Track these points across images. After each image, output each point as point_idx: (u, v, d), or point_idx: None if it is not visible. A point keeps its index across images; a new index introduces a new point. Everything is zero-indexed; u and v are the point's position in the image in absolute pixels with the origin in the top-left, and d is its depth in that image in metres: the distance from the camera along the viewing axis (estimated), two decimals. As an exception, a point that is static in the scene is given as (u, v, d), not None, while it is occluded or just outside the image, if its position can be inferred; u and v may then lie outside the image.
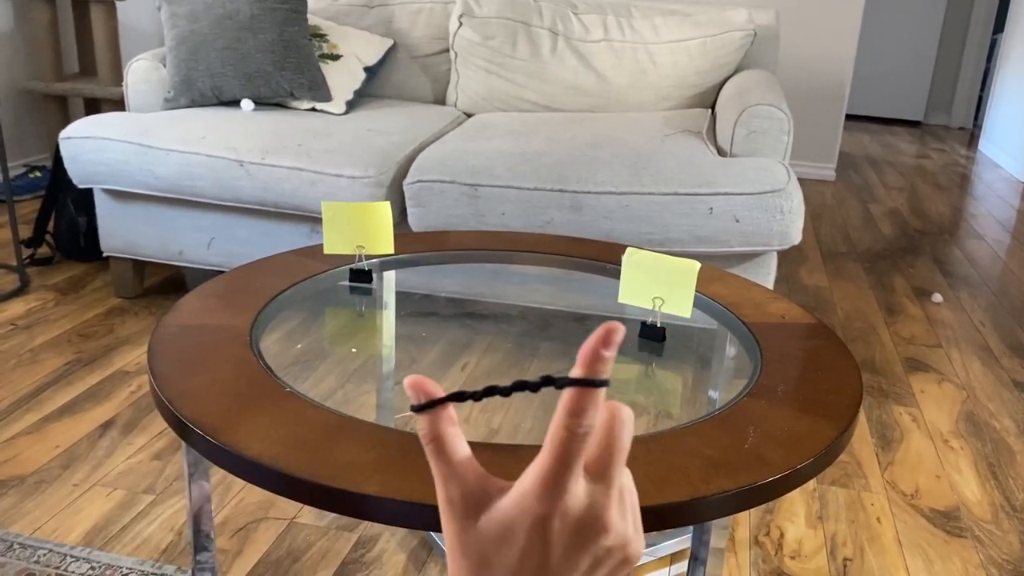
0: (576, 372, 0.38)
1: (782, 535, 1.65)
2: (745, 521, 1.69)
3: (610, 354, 0.38)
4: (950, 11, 6.47)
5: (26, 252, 2.80)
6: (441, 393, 0.41)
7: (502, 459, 0.88)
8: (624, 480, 0.41)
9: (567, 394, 0.38)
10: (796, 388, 1.06)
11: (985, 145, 5.69)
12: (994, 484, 1.85)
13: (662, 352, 1.33)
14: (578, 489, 0.39)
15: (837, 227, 3.72)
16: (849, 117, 6.79)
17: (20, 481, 1.69)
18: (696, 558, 1.36)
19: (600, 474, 0.39)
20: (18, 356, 2.18)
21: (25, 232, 3.05)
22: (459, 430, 0.42)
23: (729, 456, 0.90)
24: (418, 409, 0.41)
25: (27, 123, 3.73)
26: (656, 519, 0.83)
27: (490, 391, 0.40)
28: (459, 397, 0.41)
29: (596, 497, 0.39)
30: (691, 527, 1.50)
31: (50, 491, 1.66)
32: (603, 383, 0.38)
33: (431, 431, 0.41)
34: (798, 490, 1.80)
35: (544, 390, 0.39)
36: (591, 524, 0.39)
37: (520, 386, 0.39)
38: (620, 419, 0.39)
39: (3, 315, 2.42)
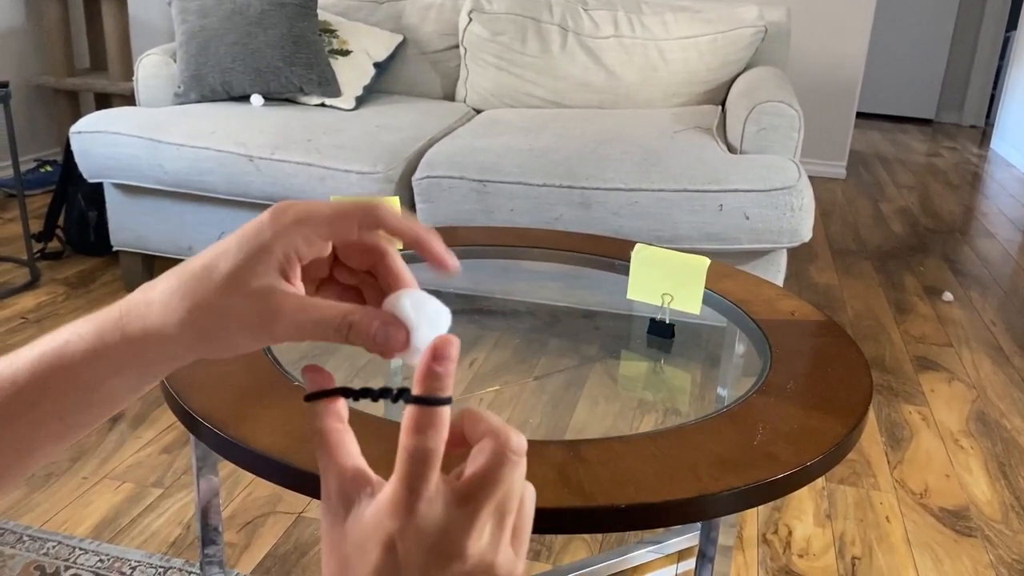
0: (415, 391, 0.37)
1: (790, 533, 1.65)
2: (753, 519, 1.68)
3: (443, 370, 0.37)
4: (962, 8, 6.43)
5: (37, 246, 2.81)
6: (333, 385, 0.41)
7: (510, 454, 0.88)
8: (512, 502, 0.38)
9: (407, 413, 0.37)
10: (806, 385, 1.05)
11: (997, 143, 5.66)
12: (1004, 484, 1.84)
13: (671, 349, 1.32)
14: (429, 510, 0.37)
15: (847, 225, 3.70)
16: (860, 115, 6.76)
17: (30, 474, 1.70)
18: (704, 555, 1.35)
19: (466, 498, 0.37)
20: (28, 349, 2.19)
21: (36, 226, 3.06)
22: (347, 427, 0.41)
23: (738, 453, 0.90)
24: (309, 398, 0.41)
25: (38, 118, 3.74)
26: (665, 515, 0.83)
27: (344, 391, 0.40)
28: (345, 393, 0.40)
29: (454, 520, 0.37)
30: (699, 524, 1.50)
31: (59, 484, 1.67)
32: (442, 401, 0.36)
33: (317, 423, 0.40)
34: (806, 488, 1.79)
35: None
36: (445, 547, 0.37)
37: (364, 393, 0.39)
38: (501, 451, 0.37)
39: (14, 309, 2.43)
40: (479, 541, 0.37)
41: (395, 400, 0.38)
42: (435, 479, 0.37)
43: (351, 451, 0.41)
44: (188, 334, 0.40)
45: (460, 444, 0.39)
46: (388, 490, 0.38)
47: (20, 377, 0.41)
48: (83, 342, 0.41)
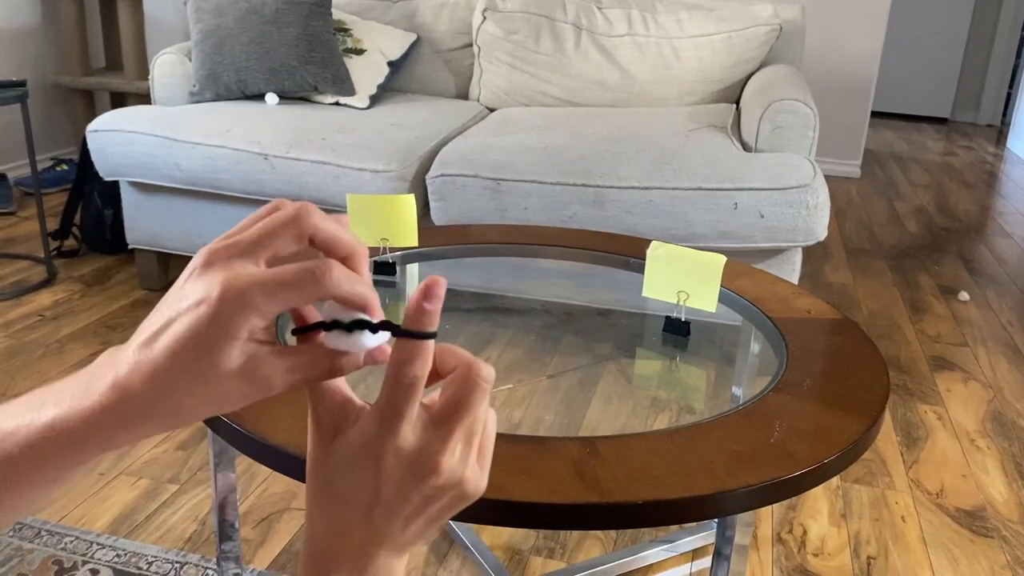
0: (404, 325, 0.40)
1: (805, 532, 1.64)
2: (768, 518, 1.68)
3: (431, 307, 0.40)
4: (979, 6, 6.39)
5: (53, 244, 2.83)
6: (318, 318, 0.42)
7: (525, 451, 0.88)
8: (478, 424, 0.43)
9: (396, 345, 0.41)
10: (822, 383, 1.05)
11: (1014, 142, 5.62)
12: (1021, 484, 1.83)
13: (686, 347, 1.32)
14: (410, 431, 0.41)
15: (862, 224, 3.68)
16: (875, 114, 6.72)
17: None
18: (719, 554, 1.35)
19: (441, 420, 0.41)
20: (45, 347, 2.21)
21: (52, 224, 3.08)
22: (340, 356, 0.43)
23: (754, 450, 0.89)
24: (297, 331, 0.42)
25: (55, 117, 3.77)
26: (681, 512, 0.83)
27: (336, 323, 0.41)
28: (327, 326, 0.41)
29: (430, 441, 0.41)
30: (714, 523, 1.49)
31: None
32: (428, 335, 0.40)
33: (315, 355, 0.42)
34: (821, 487, 1.79)
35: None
36: (422, 464, 0.41)
37: (357, 325, 0.41)
38: (473, 379, 0.41)
39: (31, 306, 2.45)
40: (451, 458, 0.42)
41: (389, 332, 0.41)
42: (417, 404, 0.41)
43: (339, 381, 0.44)
44: (180, 422, 0.41)
45: (434, 377, 0.43)
46: (374, 413, 0.42)
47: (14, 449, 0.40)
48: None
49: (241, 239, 0.39)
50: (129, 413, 0.39)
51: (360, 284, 0.41)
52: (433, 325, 0.40)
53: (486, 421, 0.44)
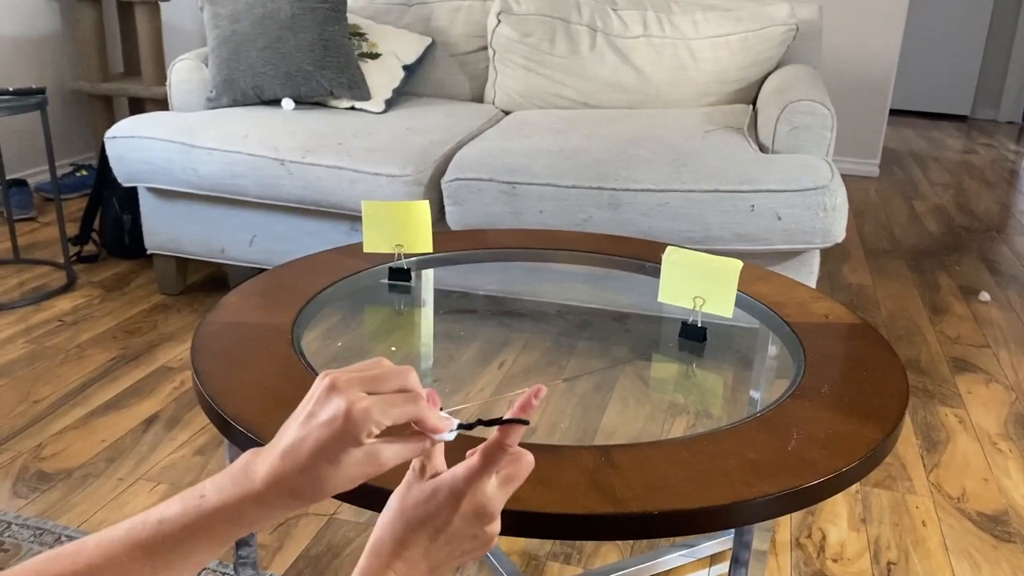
0: (511, 413, 0.59)
1: (824, 537, 1.63)
2: (786, 523, 1.66)
3: (535, 404, 0.60)
4: (999, 1, 6.32)
5: (73, 249, 2.85)
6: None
7: (540, 460, 0.87)
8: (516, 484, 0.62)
9: (504, 427, 0.59)
10: (840, 389, 1.04)
11: (1035, 140, 5.55)
12: (1044, 488, 1.81)
13: (703, 352, 1.31)
14: (489, 485, 0.59)
15: (881, 224, 3.65)
16: (893, 112, 6.67)
17: (67, 475, 1.72)
18: (737, 560, 1.34)
19: (506, 482, 0.60)
20: (65, 352, 2.23)
21: (72, 230, 3.11)
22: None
23: (772, 458, 0.89)
24: (461, 428, 0.61)
25: (74, 123, 3.80)
26: (698, 522, 0.82)
27: (476, 423, 0.61)
28: (477, 424, 0.61)
29: (496, 495, 0.60)
30: (733, 529, 1.48)
31: (96, 485, 1.70)
32: (524, 423, 0.59)
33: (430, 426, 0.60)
34: (841, 492, 1.77)
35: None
36: (487, 509, 0.59)
37: (491, 422, 0.60)
38: (529, 463, 0.61)
39: (51, 311, 2.47)
40: (498, 512, 0.60)
41: (499, 424, 0.59)
42: (499, 466, 0.60)
43: (440, 448, 0.63)
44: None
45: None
46: (467, 465, 0.59)
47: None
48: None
49: (359, 376, 0.56)
50: (283, 493, 0.54)
51: (436, 414, 0.59)
52: (530, 417, 0.59)
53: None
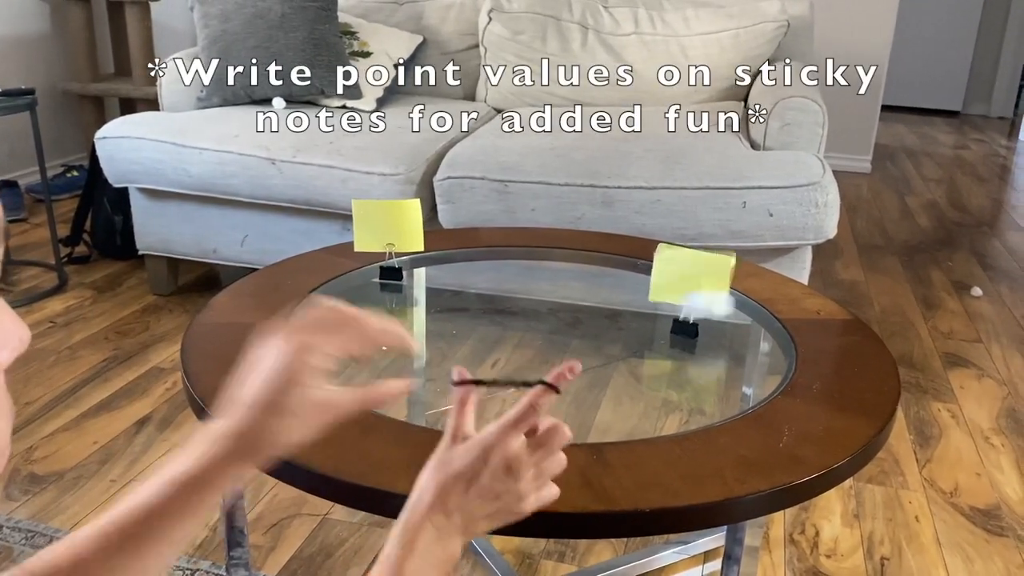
0: (548, 378, 0.65)
1: (817, 533, 1.63)
2: (780, 519, 1.67)
3: (572, 377, 0.65)
4: (989, -2, 6.34)
5: (64, 251, 2.84)
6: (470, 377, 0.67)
7: (533, 458, 0.87)
8: (554, 466, 0.65)
9: (538, 389, 0.64)
10: (832, 386, 1.04)
11: (1026, 135, 5.57)
12: (1037, 482, 1.81)
13: (695, 349, 1.31)
14: (517, 441, 0.63)
15: (873, 220, 3.66)
16: (885, 108, 6.67)
17: (59, 477, 1.72)
18: (730, 556, 1.34)
19: (536, 449, 0.64)
20: (57, 353, 2.22)
21: (63, 231, 3.10)
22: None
23: (764, 455, 0.89)
24: (457, 384, 0.67)
25: (64, 123, 3.79)
26: (690, 520, 0.82)
27: (496, 381, 0.68)
28: (497, 383, 0.68)
29: (523, 453, 0.63)
30: (725, 525, 1.48)
31: (88, 486, 1.69)
32: (558, 390, 0.65)
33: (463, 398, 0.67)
34: (834, 488, 1.77)
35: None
36: (513, 465, 0.62)
37: (515, 383, 0.66)
38: (562, 432, 0.65)
39: (42, 313, 2.46)
40: (527, 472, 0.63)
41: (532, 385, 0.65)
42: (529, 427, 0.64)
43: (470, 414, 0.67)
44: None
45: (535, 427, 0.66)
46: (497, 424, 0.63)
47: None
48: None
49: (297, 324, 0.59)
50: (244, 447, 0.56)
51: (384, 320, 0.63)
52: (564, 387, 0.65)
53: (554, 467, 0.66)
